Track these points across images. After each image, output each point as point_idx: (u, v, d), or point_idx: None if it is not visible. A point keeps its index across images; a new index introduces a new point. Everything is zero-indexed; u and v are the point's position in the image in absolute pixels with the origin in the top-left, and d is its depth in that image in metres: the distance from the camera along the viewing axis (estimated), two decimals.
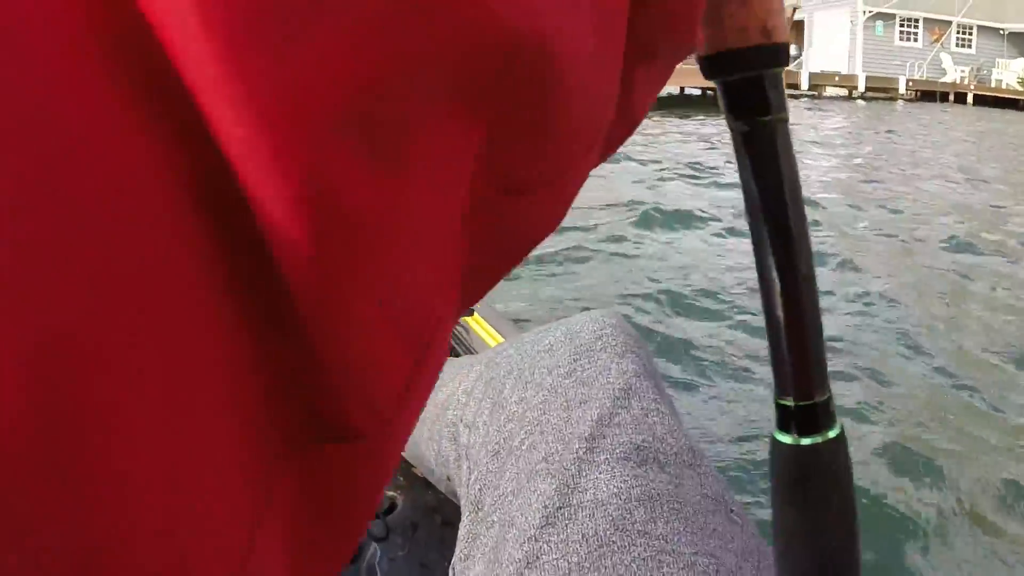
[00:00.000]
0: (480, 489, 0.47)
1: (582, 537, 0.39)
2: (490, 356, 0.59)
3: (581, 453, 0.42)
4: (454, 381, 0.66)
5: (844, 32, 20.68)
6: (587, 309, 0.71)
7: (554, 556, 0.39)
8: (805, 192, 0.26)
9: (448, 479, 0.67)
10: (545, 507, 0.41)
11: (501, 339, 1.10)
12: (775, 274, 0.25)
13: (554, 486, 0.41)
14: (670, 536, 0.39)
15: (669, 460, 0.42)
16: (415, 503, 0.89)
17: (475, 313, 1.12)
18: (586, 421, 0.43)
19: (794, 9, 20.86)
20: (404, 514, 0.87)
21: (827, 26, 21.09)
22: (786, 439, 0.26)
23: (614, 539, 0.39)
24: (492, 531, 0.43)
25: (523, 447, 0.45)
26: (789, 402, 0.26)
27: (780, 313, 0.25)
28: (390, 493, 0.90)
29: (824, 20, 21.25)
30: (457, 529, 0.83)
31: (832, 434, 0.26)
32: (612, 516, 0.40)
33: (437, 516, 0.86)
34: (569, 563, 0.39)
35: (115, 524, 0.08)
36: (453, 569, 0.47)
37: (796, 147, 0.26)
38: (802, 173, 0.26)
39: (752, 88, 0.24)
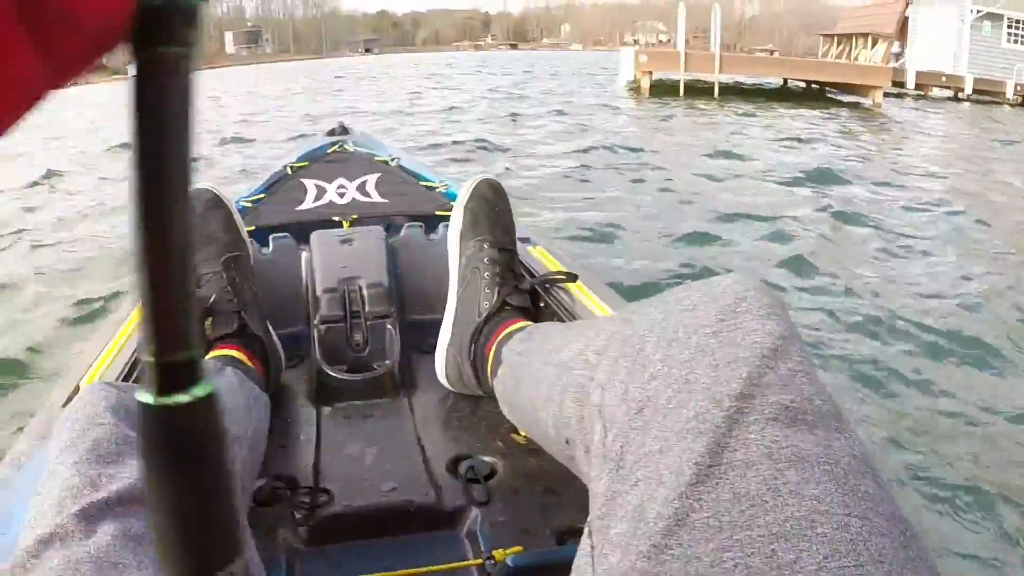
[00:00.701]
0: (621, 447, 0.46)
1: (734, 496, 0.38)
2: (624, 316, 0.58)
3: (731, 412, 0.41)
4: (577, 342, 0.66)
5: (950, 31, 19.76)
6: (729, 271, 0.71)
7: (705, 514, 0.39)
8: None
9: (567, 442, 0.66)
10: (696, 465, 0.40)
11: (605, 306, 1.10)
12: (145, 224, 0.23)
13: (705, 444, 0.40)
14: (822, 497, 0.38)
15: (817, 422, 0.41)
16: (516, 469, 0.89)
17: (578, 280, 1.12)
18: (735, 380, 0.42)
19: (907, 3, 20.03)
20: (505, 480, 0.87)
21: (932, 24, 20.20)
22: (147, 399, 0.24)
23: (766, 499, 0.38)
24: (637, 489, 0.42)
25: (670, 405, 0.44)
26: (150, 357, 0.23)
27: (145, 262, 0.23)
28: (489, 459, 0.91)
29: (929, 18, 20.36)
30: (560, 497, 0.84)
31: (198, 394, 0.24)
32: (764, 476, 0.39)
33: (539, 483, 0.86)
34: (721, 521, 0.38)
35: None
36: (590, 527, 0.46)
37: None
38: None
39: (161, 15, 0.22)
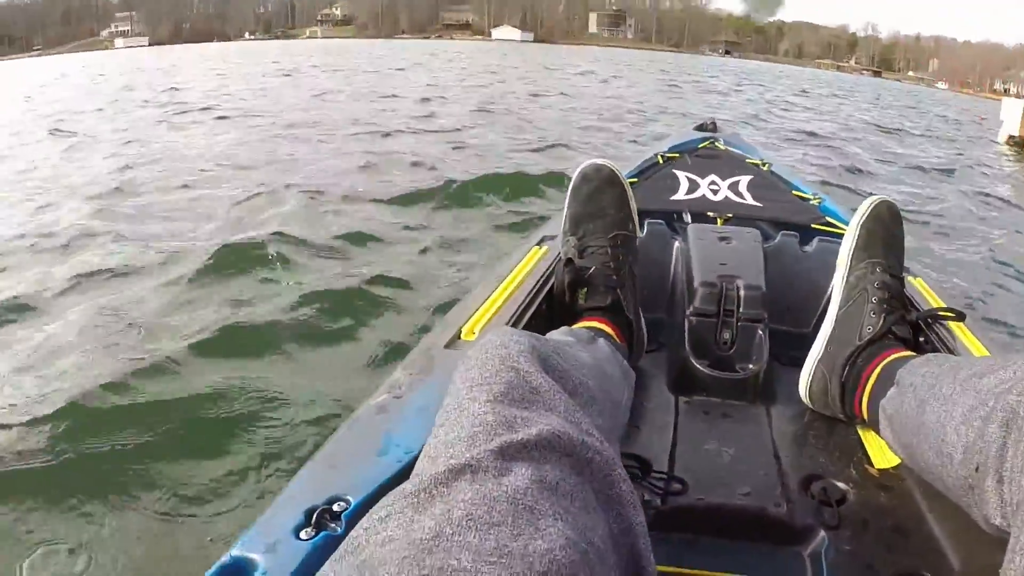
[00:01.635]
0: None
1: None
2: None
3: None
4: (1005, 371, 0.67)
5: None
6: None
7: None
8: None
9: (977, 469, 0.65)
10: None
11: (993, 350, 1.03)
12: None
13: None
14: None
15: None
16: (867, 501, 0.86)
17: (964, 321, 1.05)
18: None
19: None
20: (855, 509, 0.85)
21: None
22: None
23: None
24: None
25: None
26: None
27: None
28: (842, 485, 0.89)
29: None
30: (907, 539, 0.81)
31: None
32: None
33: (889, 520, 0.83)
34: None
35: None
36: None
37: None
38: None
39: None
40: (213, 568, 0.58)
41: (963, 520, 0.75)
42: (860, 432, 1.00)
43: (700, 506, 0.83)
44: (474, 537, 0.41)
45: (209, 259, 2.90)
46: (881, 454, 0.95)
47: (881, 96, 24.91)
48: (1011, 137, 12.27)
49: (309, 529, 0.63)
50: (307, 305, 2.50)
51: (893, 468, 0.92)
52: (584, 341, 0.90)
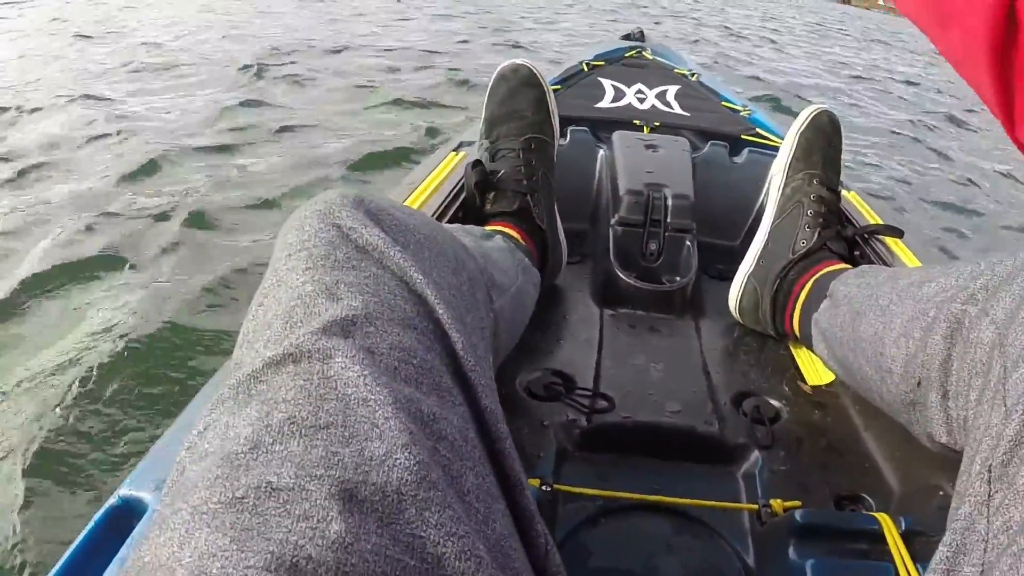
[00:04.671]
0: None
1: None
2: None
3: None
4: (947, 278, 0.63)
5: None
6: None
7: None
8: None
9: (919, 383, 0.61)
10: None
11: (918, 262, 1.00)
12: None
13: None
14: None
15: None
16: (800, 419, 0.83)
17: (903, 237, 1.01)
18: None
19: None
20: (788, 427, 0.81)
21: None
22: None
23: None
24: None
25: None
26: None
27: None
28: (776, 403, 0.85)
29: None
30: (842, 457, 0.77)
31: None
32: None
33: (822, 439, 0.80)
34: None
35: None
36: (989, 471, 0.41)
37: None
38: None
39: None
40: (102, 510, 0.55)
41: (901, 438, 0.72)
42: (793, 348, 0.97)
43: (627, 424, 0.79)
44: (298, 445, 0.33)
45: None
46: (815, 371, 0.91)
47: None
48: None
49: None
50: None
51: (827, 385, 0.89)
52: (476, 235, 0.82)
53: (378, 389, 0.37)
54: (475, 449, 0.40)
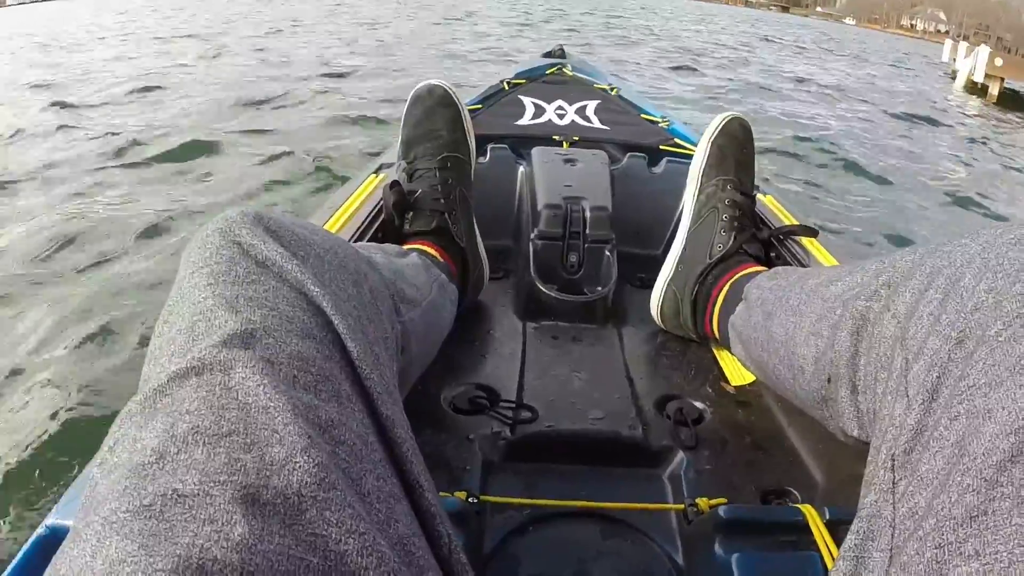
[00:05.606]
0: (937, 378, 0.42)
1: None
2: (928, 249, 0.54)
3: None
4: (853, 276, 0.64)
5: None
6: None
7: None
8: None
9: (829, 380, 0.62)
10: None
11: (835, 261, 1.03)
12: None
13: None
14: None
15: None
16: (724, 419, 0.85)
17: (817, 237, 1.04)
18: None
19: None
20: (712, 428, 0.83)
21: None
22: None
23: None
24: (957, 423, 0.38)
25: (1000, 338, 0.39)
26: None
27: None
28: (699, 405, 0.86)
29: None
30: (767, 454, 0.79)
31: None
32: None
33: (747, 437, 0.81)
34: None
35: None
36: (893, 460, 0.42)
37: None
38: None
39: None
40: (30, 541, 0.54)
41: (822, 433, 0.74)
42: (715, 350, 0.99)
43: (551, 433, 0.79)
44: (201, 453, 0.34)
45: None
46: (737, 371, 0.93)
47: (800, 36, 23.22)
48: (972, 83, 11.83)
49: None
50: None
51: (750, 384, 0.91)
52: (391, 253, 0.82)
53: (277, 397, 0.38)
54: (375, 453, 0.41)
